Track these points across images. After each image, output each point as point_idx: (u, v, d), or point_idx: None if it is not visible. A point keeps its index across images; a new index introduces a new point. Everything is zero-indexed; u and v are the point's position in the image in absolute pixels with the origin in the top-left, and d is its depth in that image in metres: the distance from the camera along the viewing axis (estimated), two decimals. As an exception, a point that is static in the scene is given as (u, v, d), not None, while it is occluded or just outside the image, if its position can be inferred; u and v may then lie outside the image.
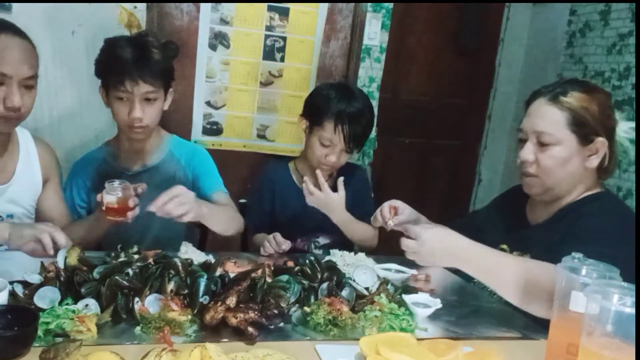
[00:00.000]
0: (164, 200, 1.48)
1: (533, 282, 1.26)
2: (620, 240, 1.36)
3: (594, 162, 1.46)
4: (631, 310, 0.90)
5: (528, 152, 1.48)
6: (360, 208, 1.95)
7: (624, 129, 1.49)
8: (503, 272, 1.29)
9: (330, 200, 1.81)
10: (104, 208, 1.52)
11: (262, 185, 2.11)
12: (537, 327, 1.33)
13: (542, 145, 1.46)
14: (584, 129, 1.43)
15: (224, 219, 1.78)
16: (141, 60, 1.69)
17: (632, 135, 1.49)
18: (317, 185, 1.80)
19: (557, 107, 1.44)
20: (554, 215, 1.53)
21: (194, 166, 1.94)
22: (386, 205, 1.67)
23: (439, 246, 1.32)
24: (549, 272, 1.22)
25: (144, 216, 1.83)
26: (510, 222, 1.63)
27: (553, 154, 1.45)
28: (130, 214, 1.53)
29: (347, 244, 1.87)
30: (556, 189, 1.49)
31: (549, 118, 1.45)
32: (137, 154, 1.89)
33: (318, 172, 1.83)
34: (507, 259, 1.34)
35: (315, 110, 1.91)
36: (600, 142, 1.45)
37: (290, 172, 2.07)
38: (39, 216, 1.78)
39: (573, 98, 1.44)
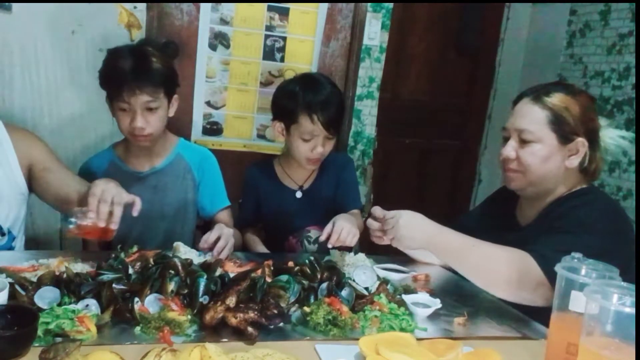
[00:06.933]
0: (220, 248, 1.57)
1: (495, 268, 1.38)
2: (606, 232, 1.38)
3: (574, 161, 1.49)
4: (631, 310, 0.90)
5: (510, 149, 1.52)
6: (348, 197, 1.96)
7: (611, 135, 1.52)
8: (467, 255, 1.43)
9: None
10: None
11: (246, 186, 2.10)
12: (537, 327, 1.34)
13: (523, 142, 1.50)
14: (564, 128, 1.46)
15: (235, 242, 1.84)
16: (139, 71, 1.69)
17: (620, 142, 1.52)
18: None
19: (538, 106, 1.48)
20: (540, 214, 1.55)
21: (202, 172, 1.97)
22: (377, 208, 1.67)
23: (417, 226, 1.47)
24: (511, 259, 1.36)
25: (155, 218, 1.87)
26: (502, 225, 1.64)
27: (533, 151, 1.48)
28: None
29: None
30: (537, 185, 1.52)
31: (531, 116, 1.49)
32: (145, 156, 1.91)
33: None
34: (472, 244, 1.43)
35: (285, 110, 1.88)
36: (581, 142, 1.47)
37: (275, 171, 2.06)
38: (59, 200, 1.65)
39: (555, 98, 1.48)
